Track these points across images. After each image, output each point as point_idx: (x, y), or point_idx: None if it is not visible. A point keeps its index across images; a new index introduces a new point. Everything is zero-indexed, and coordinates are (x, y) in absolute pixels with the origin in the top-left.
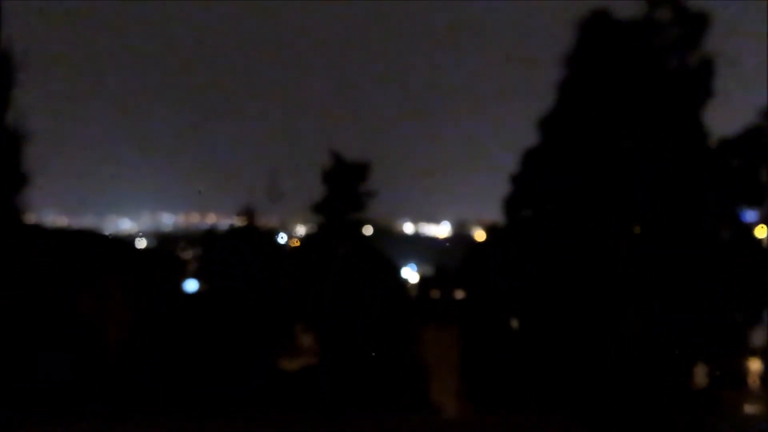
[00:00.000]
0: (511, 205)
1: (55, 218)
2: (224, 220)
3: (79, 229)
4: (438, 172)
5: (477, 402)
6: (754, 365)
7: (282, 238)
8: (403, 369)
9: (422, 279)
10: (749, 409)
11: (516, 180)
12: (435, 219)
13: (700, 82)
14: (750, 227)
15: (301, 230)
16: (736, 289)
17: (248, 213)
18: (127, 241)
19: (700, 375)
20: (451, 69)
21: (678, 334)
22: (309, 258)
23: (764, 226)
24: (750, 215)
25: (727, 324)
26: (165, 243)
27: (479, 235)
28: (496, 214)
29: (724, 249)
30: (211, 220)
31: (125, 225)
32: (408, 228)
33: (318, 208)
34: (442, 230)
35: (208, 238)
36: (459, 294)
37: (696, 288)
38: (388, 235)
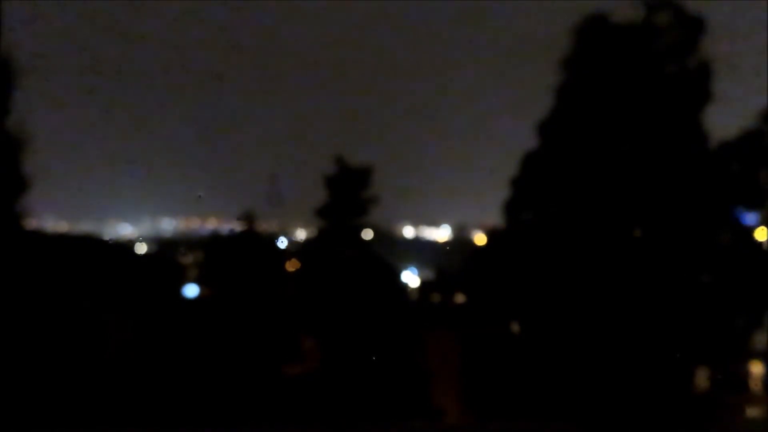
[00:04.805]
0: (511, 208)
1: (55, 223)
2: (224, 225)
3: (79, 235)
4: (438, 175)
5: (478, 407)
6: (756, 369)
7: (282, 243)
8: (404, 374)
9: (423, 283)
10: (751, 412)
11: (516, 183)
12: (435, 223)
13: (698, 85)
14: (750, 230)
15: (301, 235)
16: (736, 292)
17: (249, 218)
18: (127, 246)
19: (702, 379)
20: (451, 73)
21: (679, 338)
22: (310, 263)
23: (764, 229)
24: (750, 218)
25: (728, 327)
26: (165, 248)
27: (480, 238)
28: (496, 218)
29: (724, 252)
30: (212, 224)
31: (125, 230)
32: (408, 232)
33: (320, 213)
34: (442, 234)
35: (210, 242)
36: (460, 298)
37: (696, 291)
38: (388, 239)
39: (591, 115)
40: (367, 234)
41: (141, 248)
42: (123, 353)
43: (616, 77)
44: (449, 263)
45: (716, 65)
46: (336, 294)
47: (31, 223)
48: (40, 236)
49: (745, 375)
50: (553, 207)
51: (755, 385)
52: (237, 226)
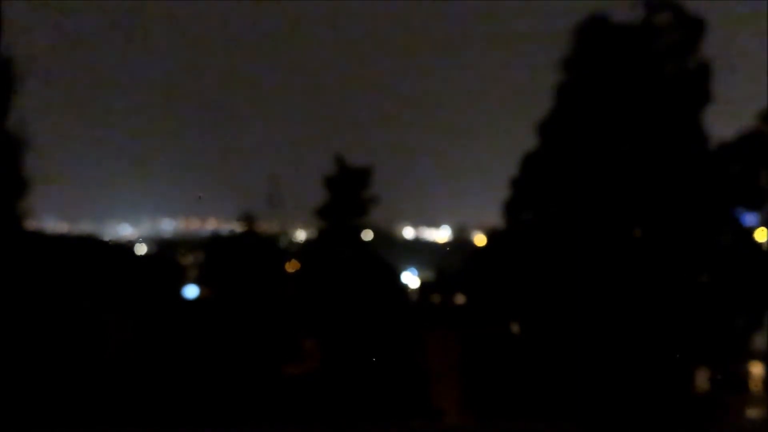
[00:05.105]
0: (511, 209)
1: (55, 224)
2: (224, 226)
3: (79, 235)
4: (438, 176)
5: (478, 408)
6: (756, 369)
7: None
8: (404, 374)
9: (423, 284)
10: (751, 413)
11: (516, 184)
12: (435, 223)
13: (698, 85)
14: (750, 230)
15: (301, 235)
16: (736, 292)
17: (248, 218)
18: (127, 246)
19: (702, 379)
20: (451, 73)
21: (679, 338)
22: (310, 263)
23: (764, 230)
24: (750, 218)
25: (728, 328)
26: (165, 248)
27: (479, 239)
28: (496, 219)
29: (724, 252)
30: (212, 225)
31: (125, 231)
32: (408, 233)
33: (320, 214)
34: (442, 235)
35: (210, 243)
36: (460, 299)
37: (696, 292)
38: (388, 239)
39: (591, 115)
40: (367, 234)
41: (141, 249)
42: (123, 353)
43: (616, 77)
44: (449, 264)
45: (716, 65)
46: (336, 294)
47: (32, 224)
48: (40, 237)
49: (745, 375)
50: (553, 207)
51: (755, 385)
52: (237, 227)
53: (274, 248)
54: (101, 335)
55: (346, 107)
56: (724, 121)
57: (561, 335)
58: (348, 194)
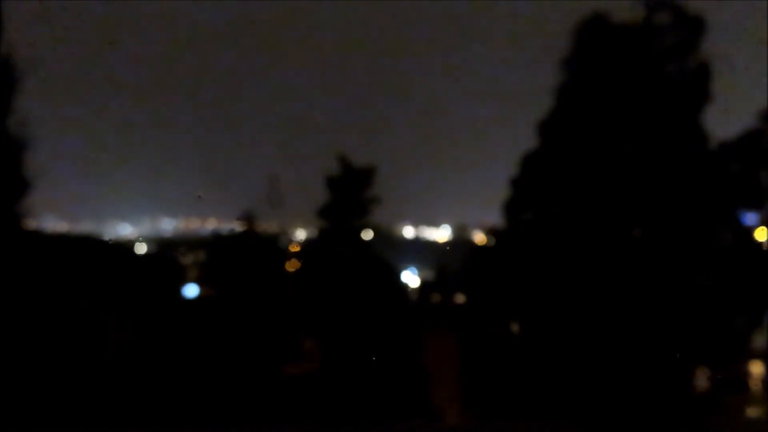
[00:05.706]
0: (511, 208)
1: (55, 224)
2: (224, 225)
3: (79, 235)
4: (438, 175)
5: (478, 407)
6: (756, 369)
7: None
8: (404, 374)
9: (423, 283)
10: (751, 412)
11: (516, 183)
12: (435, 223)
13: (698, 85)
14: (750, 230)
15: (301, 235)
16: (736, 292)
17: (248, 218)
18: (127, 246)
19: (702, 379)
20: (451, 73)
21: (679, 338)
22: (310, 263)
23: (764, 229)
24: (750, 218)
25: (728, 328)
26: (165, 248)
27: (480, 238)
28: (496, 218)
29: (724, 252)
30: (212, 225)
31: (125, 230)
32: (408, 232)
33: (322, 214)
34: (442, 234)
35: (210, 242)
36: (460, 298)
37: (696, 291)
38: (388, 239)
39: (591, 115)
40: (367, 234)
41: (141, 248)
42: (123, 353)
43: (615, 77)
44: (449, 263)
45: (716, 65)
46: (336, 294)
47: (32, 224)
48: (40, 236)
49: (745, 375)
50: (553, 207)
51: (755, 385)
52: (237, 227)
53: (274, 248)
54: (101, 335)
55: (346, 107)
56: (724, 121)
57: (561, 335)
58: (350, 194)
